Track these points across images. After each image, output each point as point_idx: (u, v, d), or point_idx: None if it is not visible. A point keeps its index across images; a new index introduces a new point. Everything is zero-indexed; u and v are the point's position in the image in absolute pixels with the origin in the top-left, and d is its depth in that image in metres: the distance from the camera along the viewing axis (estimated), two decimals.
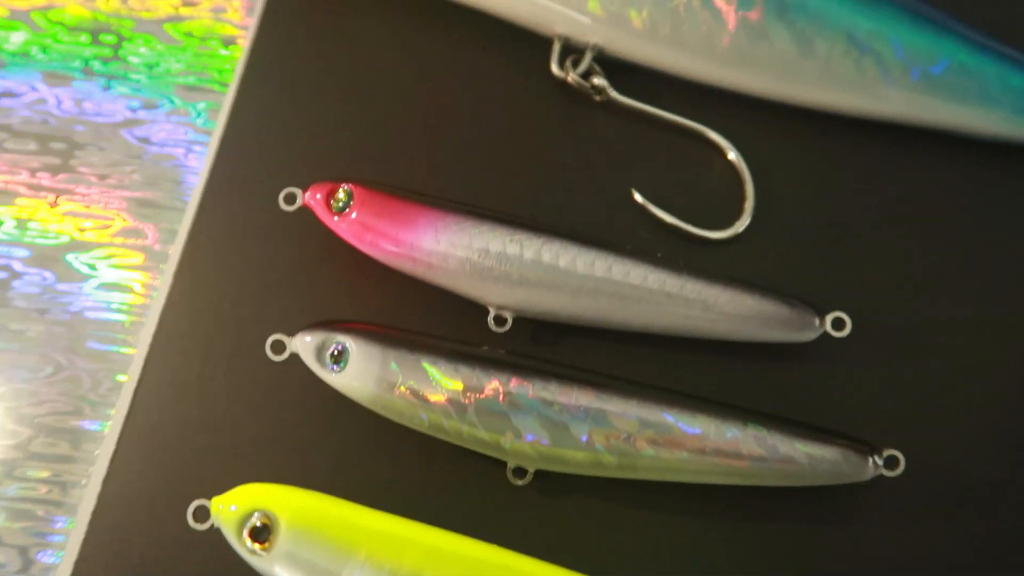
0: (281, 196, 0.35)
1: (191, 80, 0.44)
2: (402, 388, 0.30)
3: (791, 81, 0.39)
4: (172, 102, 0.43)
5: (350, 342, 0.31)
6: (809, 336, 0.34)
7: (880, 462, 0.31)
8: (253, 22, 0.42)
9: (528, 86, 0.42)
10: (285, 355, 0.32)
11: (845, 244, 0.38)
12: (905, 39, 0.38)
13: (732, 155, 0.39)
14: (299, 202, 0.35)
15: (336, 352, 0.31)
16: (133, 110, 0.43)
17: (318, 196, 0.35)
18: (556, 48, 0.41)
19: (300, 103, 0.40)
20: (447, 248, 0.33)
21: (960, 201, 0.39)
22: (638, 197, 0.39)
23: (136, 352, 0.36)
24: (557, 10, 0.40)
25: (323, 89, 0.41)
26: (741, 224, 0.38)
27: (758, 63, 0.39)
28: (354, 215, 0.34)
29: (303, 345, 0.32)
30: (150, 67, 0.44)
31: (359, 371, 0.31)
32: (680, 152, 0.40)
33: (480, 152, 0.40)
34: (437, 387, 0.30)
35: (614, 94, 0.41)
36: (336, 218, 0.34)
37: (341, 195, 0.34)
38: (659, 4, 0.39)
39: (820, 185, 0.39)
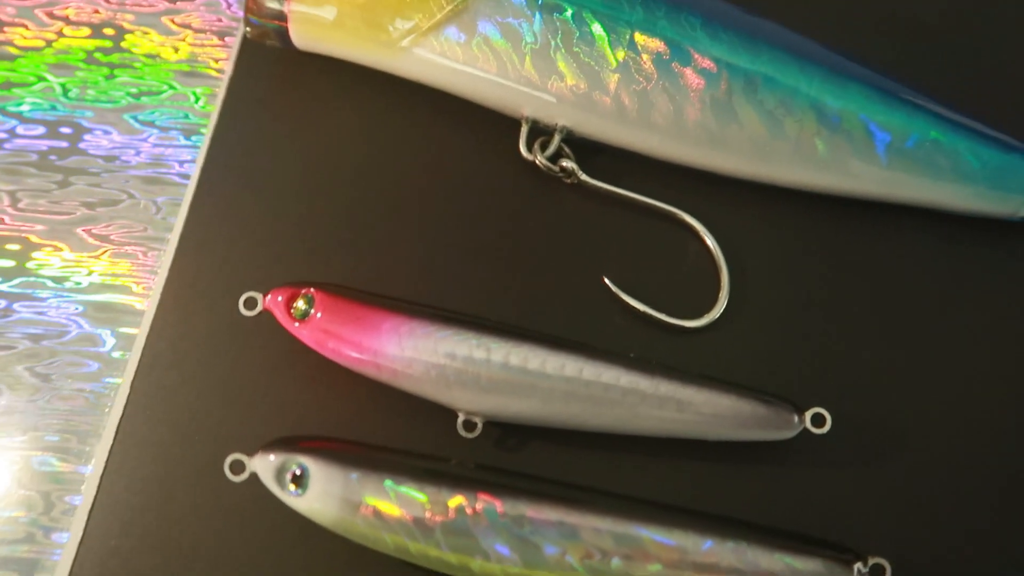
0: (241, 301, 0.34)
1: (150, 173, 0.43)
2: (365, 511, 0.29)
3: (762, 160, 0.39)
4: (130, 195, 0.42)
5: (311, 464, 0.30)
6: (788, 434, 0.33)
7: (865, 571, 0.30)
8: (214, 114, 0.42)
9: (497, 169, 0.41)
10: (245, 475, 0.31)
11: (823, 331, 0.37)
12: (876, 117, 0.38)
13: (709, 241, 0.38)
14: (260, 307, 0.34)
15: (296, 474, 0.30)
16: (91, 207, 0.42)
17: (279, 299, 0.34)
18: (524, 130, 0.40)
19: (262, 199, 0.39)
20: (412, 354, 0.32)
21: (941, 279, 0.39)
22: (610, 284, 0.38)
23: (91, 472, 0.34)
24: (524, 92, 0.39)
25: (285, 183, 0.40)
26: (715, 312, 0.37)
27: (728, 143, 0.38)
28: (316, 321, 0.33)
29: (262, 466, 0.30)
30: (107, 160, 0.43)
31: (321, 494, 0.30)
32: (652, 235, 0.39)
33: (448, 241, 0.39)
34: (402, 508, 0.29)
35: (584, 177, 0.40)
36: (297, 324, 0.33)
37: (301, 302, 0.33)
38: (626, 85, 0.38)
39: (795, 267, 0.39)
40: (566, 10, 0.38)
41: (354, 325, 0.33)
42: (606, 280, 0.38)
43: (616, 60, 0.38)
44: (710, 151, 0.39)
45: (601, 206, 0.40)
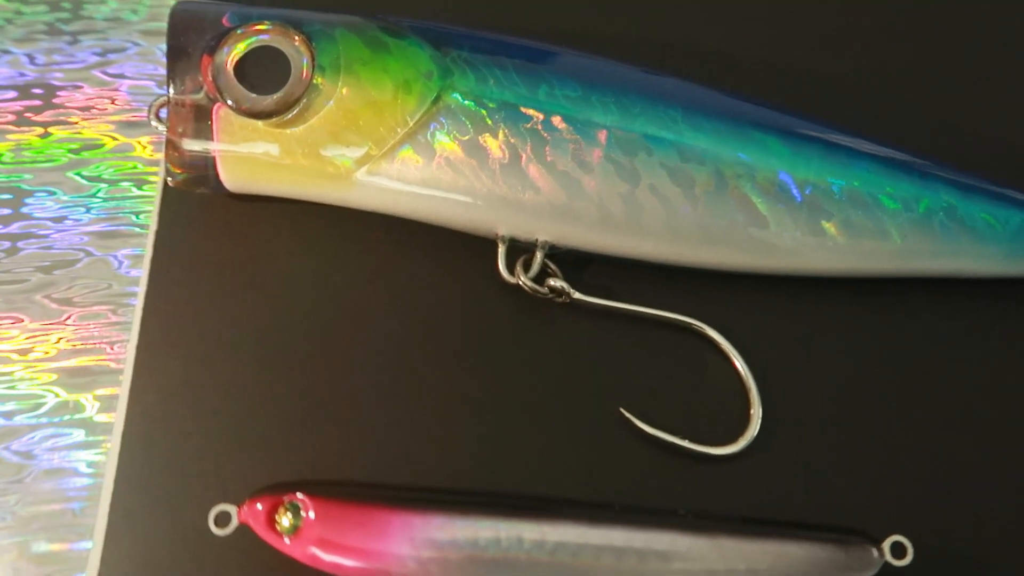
0: (211, 517, 0.29)
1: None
2: None
3: (767, 252, 0.35)
4: (55, 394, 0.36)
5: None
6: (869, 574, 0.29)
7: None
8: (143, 278, 0.36)
9: (476, 298, 0.36)
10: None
11: (870, 435, 0.33)
12: (884, 189, 0.35)
13: (730, 352, 0.34)
14: (234, 522, 0.28)
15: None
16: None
17: (259, 508, 0.28)
18: (501, 251, 0.36)
19: (209, 373, 0.34)
20: (431, 553, 0.27)
21: (979, 353, 0.35)
22: (628, 415, 0.34)
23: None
24: (497, 211, 0.35)
25: (233, 351, 0.34)
26: (749, 434, 0.33)
27: (729, 238, 0.35)
28: (309, 533, 0.28)
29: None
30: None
31: None
32: (662, 348, 0.35)
33: (434, 394, 0.34)
34: None
35: (577, 295, 0.36)
36: (287, 540, 0.28)
37: (287, 515, 0.28)
38: (609, 190, 0.34)
39: (824, 365, 0.35)
40: (533, 117, 0.34)
41: (357, 531, 0.27)
42: (623, 411, 0.34)
43: (594, 164, 0.34)
44: (710, 249, 0.35)
45: (600, 324, 0.36)
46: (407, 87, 0.34)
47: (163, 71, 0.43)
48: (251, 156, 0.35)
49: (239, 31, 0.34)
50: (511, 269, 0.36)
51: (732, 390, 0.34)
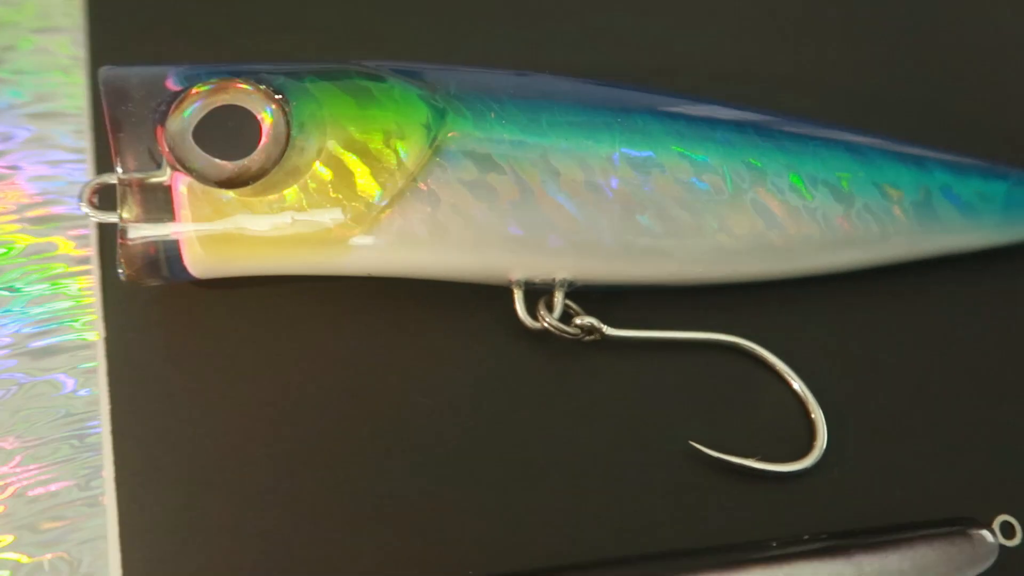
0: None
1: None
2: None
3: (789, 256, 0.34)
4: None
5: None
6: (987, 563, 0.28)
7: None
8: (103, 404, 0.30)
9: (498, 352, 0.33)
10: None
11: (936, 423, 0.33)
12: (885, 179, 0.35)
13: (777, 364, 0.33)
14: None
15: None
16: None
17: None
18: (519, 296, 0.33)
19: (214, 495, 0.28)
20: None
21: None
22: (700, 448, 0.31)
23: None
24: (511, 254, 0.32)
25: (237, 460, 0.29)
26: (819, 444, 0.32)
27: (753, 248, 0.34)
28: None
29: None
30: None
31: None
32: (705, 370, 0.33)
33: (481, 462, 0.31)
34: None
35: (609, 331, 0.33)
36: None
37: None
38: (627, 215, 0.32)
39: (869, 360, 0.34)
40: (540, 148, 0.32)
41: None
42: (694, 444, 0.31)
43: (609, 189, 0.32)
44: (733, 261, 0.34)
45: (636, 357, 0.34)
46: (401, 134, 0.30)
47: (64, 155, 0.39)
48: (225, 233, 0.30)
49: (194, 91, 0.30)
50: (533, 314, 0.33)
51: (785, 402, 0.33)
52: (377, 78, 0.31)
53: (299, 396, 0.31)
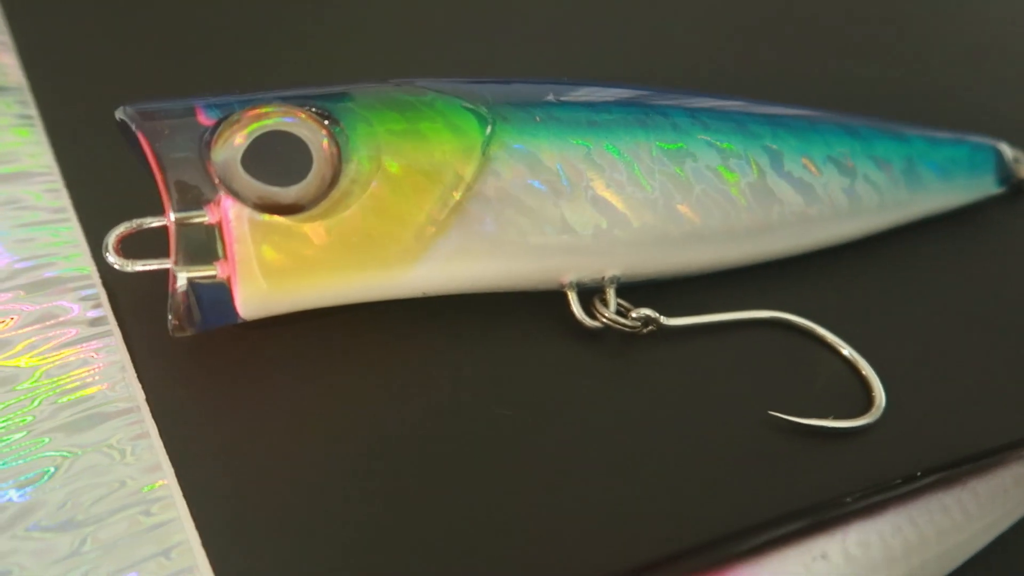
0: None
1: None
2: None
3: (805, 230, 0.36)
4: None
5: None
6: None
7: None
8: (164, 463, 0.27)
9: (559, 356, 0.32)
10: None
11: (980, 358, 0.35)
12: (874, 152, 0.38)
13: (829, 337, 0.34)
14: None
15: None
16: None
17: None
18: (573, 298, 0.33)
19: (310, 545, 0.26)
20: None
21: None
22: (779, 415, 0.32)
23: None
24: (568, 255, 0.32)
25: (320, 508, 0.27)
26: (878, 400, 0.33)
27: (775, 225, 0.35)
28: None
29: None
30: None
31: None
32: (755, 347, 0.35)
33: (576, 464, 0.30)
34: None
35: (666, 320, 0.34)
36: None
37: None
38: (669, 205, 0.33)
39: (901, 314, 0.37)
40: (584, 148, 0.32)
41: None
42: (773, 413, 0.32)
43: (650, 182, 0.33)
44: (763, 239, 0.36)
45: (688, 342, 0.34)
46: (453, 145, 0.30)
47: (44, 216, 0.35)
48: (286, 264, 0.28)
49: (236, 119, 0.28)
50: (588, 312, 0.33)
51: (835, 367, 0.34)
52: (417, 92, 0.31)
53: (377, 428, 0.30)
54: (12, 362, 0.30)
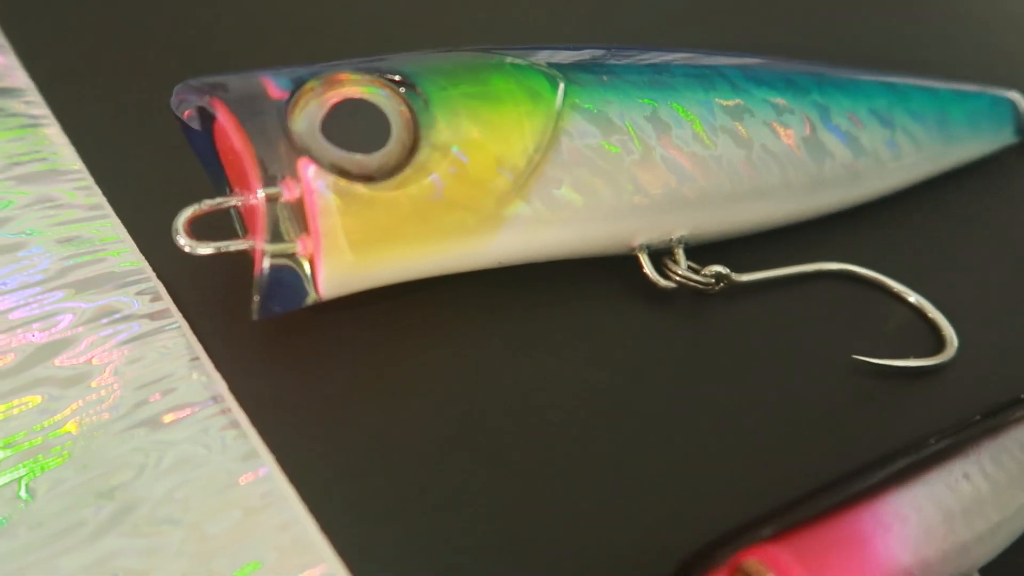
0: None
1: None
2: None
3: (854, 183, 0.37)
4: None
5: None
6: None
7: None
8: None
9: (633, 317, 0.32)
10: None
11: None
12: (909, 106, 0.39)
13: (895, 285, 0.35)
14: None
15: None
16: None
17: None
18: (645, 260, 0.33)
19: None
20: (918, 533, 0.23)
21: None
22: (863, 359, 0.32)
23: None
24: (639, 217, 0.32)
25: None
26: (950, 339, 0.34)
27: (827, 178, 0.36)
28: None
29: None
30: None
31: None
32: (822, 298, 0.35)
33: (680, 423, 0.30)
34: None
35: (737, 276, 0.34)
36: None
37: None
38: (731, 162, 0.33)
39: (954, 257, 0.37)
40: (650, 107, 0.32)
41: (836, 556, 0.22)
42: (857, 357, 0.32)
43: (714, 139, 0.33)
44: (818, 193, 0.36)
45: (756, 297, 0.34)
46: (527, 106, 0.29)
47: (82, 213, 0.33)
48: (369, 234, 0.27)
49: (309, 88, 0.27)
50: (663, 274, 0.33)
51: (903, 313, 0.35)
52: (483, 56, 0.30)
53: (472, 407, 0.29)
54: (80, 361, 0.28)
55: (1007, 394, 0.31)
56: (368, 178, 0.27)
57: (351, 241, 0.27)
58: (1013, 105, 0.43)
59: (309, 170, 0.26)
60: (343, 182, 0.27)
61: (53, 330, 0.29)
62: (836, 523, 0.22)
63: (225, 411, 0.27)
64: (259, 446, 0.26)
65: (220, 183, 0.30)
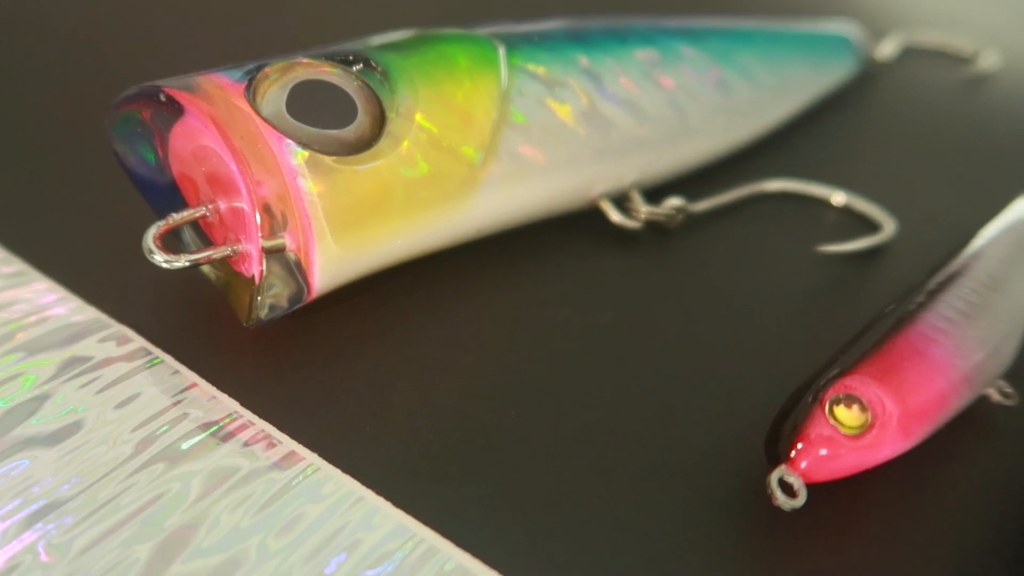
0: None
1: None
2: None
3: (763, 110, 0.40)
4: None
5: None
6: None
7: None
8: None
9: (605, 264, 0.33)
10: None
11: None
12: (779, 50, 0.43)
13: (842, 195, 0.38)
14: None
15: None
16: None
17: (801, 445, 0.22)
18: (609, 206, 0.34)
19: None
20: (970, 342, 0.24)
21: None
22: (827, 249, 0.34)
23: None
24: (597, 166, 0.33)
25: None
26: (886, 222, 0.36)
27: (743, 111, 0.38)
28: (890, 422, 0.22)
29: None
30: None
31: None
32: (774, 214, 0.37)
33: (662, 358, 0.30)
34: None
35: (694, 206, 0.35)
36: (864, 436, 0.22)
37: (855, 411, 0.22)
38: (661, 104, 0.35)
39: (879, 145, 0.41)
40: (586, 63, 0.33)
41: (908, 371, 0.23)
42: (822, 248, 0.34)
43: (644, 86, 0.34)
44: (742, 122, 0.38)
45: (714, 225, 0.36)
46: (480, 69, 0.30)
47: None
48: (354, 211, 0.26)
49: (267, 71, 0.26)
50: (627, 214, 0.34)
51: (837, 211, 0.38)
52: (424, 30, 0.31)
53: (499, 363, 0.28)
54: (63, 413, 0.25)
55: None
56: (347, 153, 0.26)
57: (341, 222, 0.26)
58: (848, 38, 0.47)
59: (289, 154, 0.25)
60: (327, 160, 0.26)
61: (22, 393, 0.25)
62: (891, 348, 0.23)
63: (244, 427, 0.25)
64: (298, 449, 0.24)
65: (167, 206, 0.28)
